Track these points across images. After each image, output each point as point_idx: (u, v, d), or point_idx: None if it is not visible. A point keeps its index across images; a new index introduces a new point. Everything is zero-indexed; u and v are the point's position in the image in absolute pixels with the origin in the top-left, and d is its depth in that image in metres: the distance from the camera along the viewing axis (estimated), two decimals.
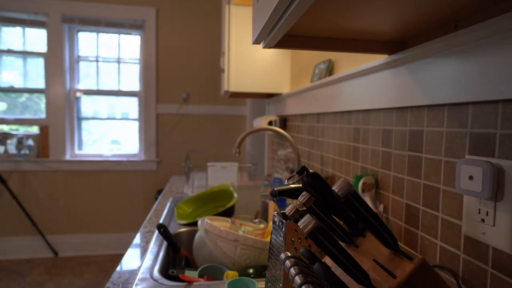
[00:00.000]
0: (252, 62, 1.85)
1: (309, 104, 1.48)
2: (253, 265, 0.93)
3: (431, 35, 0.71)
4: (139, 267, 0.91)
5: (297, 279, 0.42)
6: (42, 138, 3.22)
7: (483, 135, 0.59)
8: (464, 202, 0.62)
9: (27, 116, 3.32)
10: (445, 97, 0.66)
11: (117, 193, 3.34)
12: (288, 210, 0.58)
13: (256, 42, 0.77)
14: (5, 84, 3.29)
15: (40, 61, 3.28)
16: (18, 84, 3.31)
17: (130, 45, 3.43)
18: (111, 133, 3.48)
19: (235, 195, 1.37)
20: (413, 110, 0.79)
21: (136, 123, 3.44)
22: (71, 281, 2.75)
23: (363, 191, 0.92)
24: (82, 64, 3.39)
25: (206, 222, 0.99)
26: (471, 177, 0.58)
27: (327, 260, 0.59)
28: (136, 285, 0.81)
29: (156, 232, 1.17)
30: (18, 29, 3.23)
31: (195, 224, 1.27)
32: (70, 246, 3.28)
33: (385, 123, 0.90)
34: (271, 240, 0.73)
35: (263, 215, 1.58)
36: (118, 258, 3.22)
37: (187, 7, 3.34)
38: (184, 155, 3.45)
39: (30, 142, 3.22)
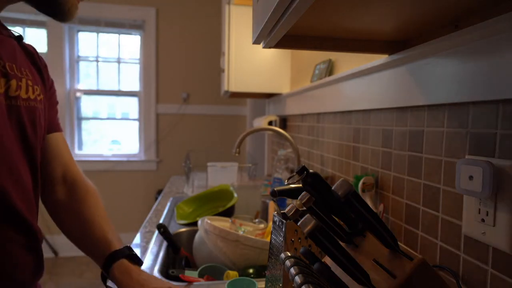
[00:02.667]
0: (252, 62, 1.85)
1: (309, 104, 1.48)
2: (253, 265, 0.93)
3: (431, 35, 0.71)
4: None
5: (297, 279, 0.42)
6: None
7: (483, 135, 0.59)
8: (464, 202, 0.62)
9: None
10: (445, 97, 0.66)
11: (117, 193, 3.34)
12: (288, 210, 0.58)
13: (256, 42, 0.77)
14: None
15: None
16: None
17: (130, 45, 3.43)
18: (111, 133, 3.48)
19: (235, 195, 1.37)
20: (413, 110, 0.79)
21: (136, 123, 3.44)
22: (71, 281, 2.75)
23: (363, 191, 0.92)
24: (82, 64, 3.39)
25: (206, 222, 0.99)
26: (471, 177, 0.58)
27: (327, 260, 0.59)
28: None
29: (156, 232, 1.17)
30: (18, 29, 3.23)
31: (195, 224, 1.27)
32: (70, 246, 3.26)
33: (385, 123, 0.90)
34: (271, 240, 0.73)
35: (263, 215, 1.58)
36: None
37: (187, 7, 3.34)
38: (184, 155, 3.45)
39: None
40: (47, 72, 0.79)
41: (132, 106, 3.46)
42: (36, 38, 3.27)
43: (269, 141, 2.46)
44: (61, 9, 0.71)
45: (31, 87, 0.69)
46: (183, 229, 1.24)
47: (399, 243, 0.50)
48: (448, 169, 0.67)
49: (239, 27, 1.82)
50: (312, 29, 0.70)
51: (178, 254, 1.07)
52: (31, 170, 0.70)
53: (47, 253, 3.24)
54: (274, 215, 0.72)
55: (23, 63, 0.70)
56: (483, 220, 0.58)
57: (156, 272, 0.88)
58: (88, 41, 3.39)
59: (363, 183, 0.91)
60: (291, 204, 0.58)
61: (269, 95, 2.20)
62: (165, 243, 1.07)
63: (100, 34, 3.38)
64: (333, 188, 0.47)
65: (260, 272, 0.91)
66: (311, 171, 0.51)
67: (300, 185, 0.52)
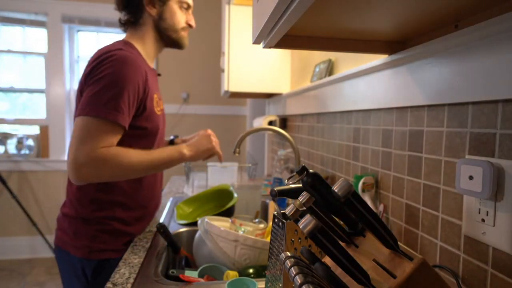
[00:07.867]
0: (252, 62, 1.85)
1: (309, 104, 1.48)
2: (253, 265, 0.93)
3: (431, 35, 0.71)
4: (139, 267, 0.91)
5: (297, 279, 0.42)
6: (42, 138, 3.22)
7: (483, 135, 0.59)
8: (464, 202, 0.62)
9: (27, 116, 3.32)
10: (445, 97, 0.66)
11: None
12: (288, 210, 0.58)
13: (256, 42, 0.77)
14: (5, 84, 3.28)
15: (40, 61, 3.28)
16: (18, 84, 3.31)
17: None
18: None
19: (235, 195, 1.37)
20: (413, 110, 0.79)
21: None
22: None
23: (363, 191, 0.92)
24: (82, 64, 3.39)
25: (206, 222, 0.99)
26: (471, 177, 0.58)
27: (327, 260, 0.59)
28: (136, 285, 0.81)
29: (156, 232, 1.17)
30: (18, 29, 3.23)
31: (195, 224, 1.26)
32: None
33: (385, 123, 0.90)
34: (271, 240, 0.73)
35: (263, 215, 1.58)
36: None
37: None
38: None
39: (30, 142, 3.22)
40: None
41: None
42: (36, 38, 3.27)
43: (269, 141, 2.46)
44: (180, 45, 1.34)
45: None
46: (183, 229, 1.24)
47: (399, 243, 0.50)
48: (448, 169, 0.67)
49: (239, 27, 1.82)
50: (312, 29, 0.70)
51: (178, 254, 1.07)
52: None
53: (47, 253, 3.24)
54: (274, 215, 0.72)
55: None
56: (483, 220, 0.58)
57: (156, 272, 0.88)
58: (88, 41, 3.39)
59: (363, 183, 0.91)
60: (291, 204, 0.58)
61: (269, 95, 2.20)
62: (165, 243, 1.07)
63: (100, 34, 3.38)
64: (333, 188, 0.47)
65: (260, 272, 0.91)
66: (311, 171, 0.51)
67: (300, 185, 0.52)
